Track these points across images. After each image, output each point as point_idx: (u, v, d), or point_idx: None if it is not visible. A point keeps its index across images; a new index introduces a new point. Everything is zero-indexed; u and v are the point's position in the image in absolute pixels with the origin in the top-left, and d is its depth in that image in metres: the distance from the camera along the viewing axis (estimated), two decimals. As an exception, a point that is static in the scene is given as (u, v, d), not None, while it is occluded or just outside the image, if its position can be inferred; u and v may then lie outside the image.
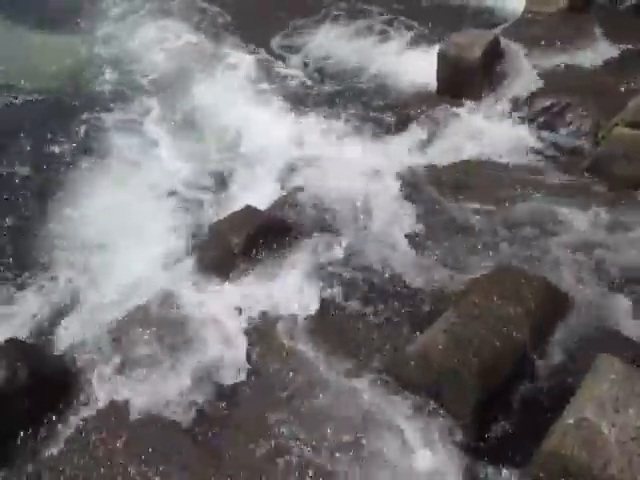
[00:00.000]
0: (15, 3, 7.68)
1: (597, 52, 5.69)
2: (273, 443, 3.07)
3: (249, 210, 4.24)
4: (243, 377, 3.42)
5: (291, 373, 3.39)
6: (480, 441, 2.99)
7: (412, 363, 3.20)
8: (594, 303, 3.61)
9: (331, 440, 3.05)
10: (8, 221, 4.89)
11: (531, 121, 5.12)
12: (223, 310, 3.76)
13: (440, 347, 3.16)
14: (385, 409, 3.11)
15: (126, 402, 3.32)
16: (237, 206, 4.37)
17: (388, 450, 2.95)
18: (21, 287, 4.26)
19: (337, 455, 2.98)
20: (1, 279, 4.33)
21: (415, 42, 6.55)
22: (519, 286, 3.55)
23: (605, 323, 3.51)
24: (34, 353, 3.39)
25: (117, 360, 3.49)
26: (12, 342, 3.34)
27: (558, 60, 5.59)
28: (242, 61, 6.57)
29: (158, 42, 6.87)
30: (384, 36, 6.75)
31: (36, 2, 7.79)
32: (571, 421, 2.68)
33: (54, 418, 3.26)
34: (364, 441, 3.01)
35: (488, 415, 3.06)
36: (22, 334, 3.85)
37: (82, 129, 5.87)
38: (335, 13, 7.19)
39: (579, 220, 4.14)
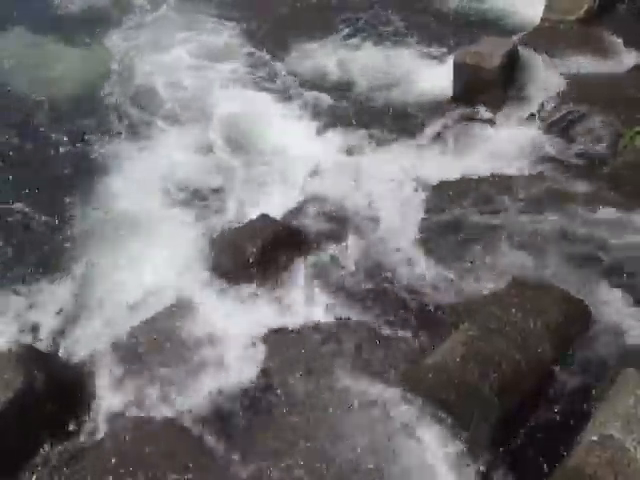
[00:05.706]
0: (36, 16, 7.84)
1: (617, 61, 5.63)
2: (288, 454, 3.03)
3: (264, 219, 4.23)
4: (257, 389, 3.38)
5: (306, 385, 3.35)
6: (500, 459, 2.92)
7: (430, 376, 3.14)
8: (616, 315, 3.53)
9: (345, 454, 2.99)
10: (21, 231, 4.90)
11: (550, 129, 5.05)
12: (237, 320, 3.74)
13: (459, 361, 3.10)
14: (402, 423, 3.04)
15: (140, 409, 3.31)
16: (252, 214, 4.35)
17: (404, 467, 2.89)
18: (36, 294, 4.26)
19: (352, 469, 2.93)
20: (16, 286, 4.33)
21: (431, 50, 6.51)
22: (538, 298, 3.49)
23: (628, 336, 3.43)
24: (50, 360, 3.41)
25: (132, 367, 3.50)
26: (28, 349, 3.36)
27: (578, 69, 5.52)
28: (262, 73, 6.57)
29: (182, 57, 6.90)
30: (400, 44, 6.72)
31: (58, 15, 7.93)
32: (595, 438, 2.61)
33: (71, 423, 3.27)
34: (378, 456, 2.95)
35: (508, 432, 3.00)
36: (37, 341, 3.85)
37: (96, 136, 5.88)
38: (351, 24, 7.18)
39: (599, 230, 4.07)
